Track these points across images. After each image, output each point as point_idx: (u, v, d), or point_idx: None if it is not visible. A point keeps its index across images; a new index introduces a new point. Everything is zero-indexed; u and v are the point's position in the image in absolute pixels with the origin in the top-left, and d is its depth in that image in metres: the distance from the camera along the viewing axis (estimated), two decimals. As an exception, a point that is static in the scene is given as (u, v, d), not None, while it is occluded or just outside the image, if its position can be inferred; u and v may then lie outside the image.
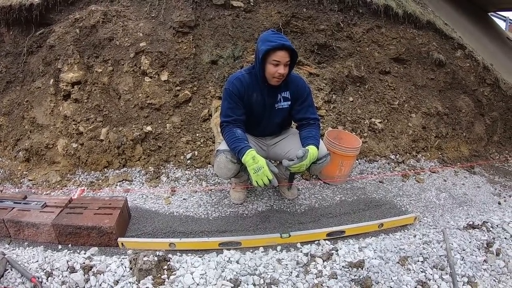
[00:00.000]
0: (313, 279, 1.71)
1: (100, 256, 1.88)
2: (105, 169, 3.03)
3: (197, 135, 3.22)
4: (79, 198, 2.44)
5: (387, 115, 3.83)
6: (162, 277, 1.66)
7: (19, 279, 1.66)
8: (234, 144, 2.02)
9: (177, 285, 1.62)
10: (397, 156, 3.62)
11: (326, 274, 1.74)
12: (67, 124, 3.11)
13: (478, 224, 2.27)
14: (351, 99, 3.76)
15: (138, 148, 3.07)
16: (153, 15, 3.52)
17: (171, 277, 1.66)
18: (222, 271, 1.72)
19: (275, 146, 2.42)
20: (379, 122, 3.70)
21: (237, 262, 1.81)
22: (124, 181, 2.92)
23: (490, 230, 2.20)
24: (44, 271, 1.72)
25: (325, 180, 3.01)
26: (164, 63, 3.32)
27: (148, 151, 3.10)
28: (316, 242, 2.05)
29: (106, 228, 2.03)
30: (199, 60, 3.48)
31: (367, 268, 1.78)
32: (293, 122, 2.47)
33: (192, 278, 1.66)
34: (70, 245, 2.10)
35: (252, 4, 3.67)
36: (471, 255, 1.97)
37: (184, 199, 2.69)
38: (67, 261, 1.77)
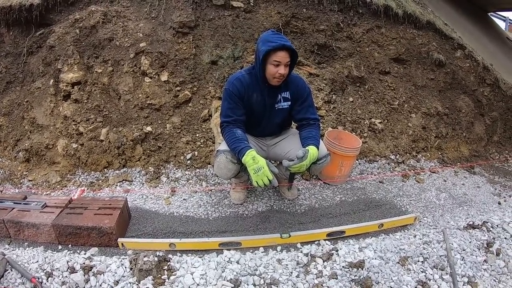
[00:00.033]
0: (313, 279, 1.71)
1: (100, 257, 1.88)
2: (105, 170, 3.02)
3: (197, 135, 3.22)
4: (79, 198, 2.44)
5: (387, 115, 3.83)
6: (162, 277, 1.66)
7: (19, 279, 1.66)
8: (234, 145, 2.02)
9: (177, 286, 1.62)
10: (397, 156, 3.63)
11: (326, 274, 1.74)
12: (67, 125, 3.11)
13: (478, 224, 2.27)
14: (351, 99, 3.76)
15: (138, 148, 3.07)
16: (153, 16, 3.52)
17: (171, 277, 1.66)
18: (222, 272, 1.72)
19: (275, 147, 2.42)
20: (379, 122, 3.70)
21: (237, 262, 1.81)
22: (124, 181, 2.92)
23: (490, 230, 2.20)
24: (44, 271, 1.72)
25: (325, 180, 3.01)
26: (164, 63, 3.32)
27: (148, 151, 3.10)
28: (316, 242, 2.06)
29: (106, 228, 2.03)
30: (199, 61, 3.48)
31: (367, 268, 1.78)
32: (293, 123, 2.47)
33: (192, 278, 1.66)
34: (70, 245, 2.10)
35: (252, 4, 3.68)
36: (471, 255, 1.97)
37: (184, 199, 2.69)
38: (67, 262, 1.77)
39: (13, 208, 2.17)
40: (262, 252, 2.00)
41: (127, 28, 3.38)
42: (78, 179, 2.95)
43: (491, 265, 1.92)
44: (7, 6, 3.50)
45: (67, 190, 2.83)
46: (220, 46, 3.55)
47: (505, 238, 2.13)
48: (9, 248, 2.04)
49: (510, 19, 8.47)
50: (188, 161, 3.09)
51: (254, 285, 1.65)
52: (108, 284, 1.65)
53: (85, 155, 3.00)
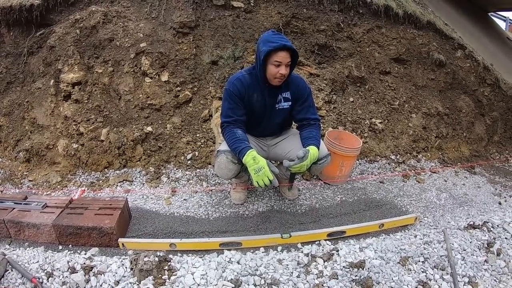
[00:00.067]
0: (314, 279, 1.71)
1: (100, 257, 1.88)
2: (106, 170, 3.03)
3: (198, 135, 3.22)
4: (80, 198, 2.44)
5: (387, 115, 3.83)
6: (163, 277, 1.66)
7: (20, 279, 1.66)
8: (234, 145, 2.01)
9: (178, 286, 1.62)
10: (398, 157, 3.62)
11: (327, 275, 1.73)
12: (68, 125, 3.11)
13: (479, 224, 2.26)
14: (351, 99, 3.76)
15: (138, 148, 3.07)
16: (153, 16, 3.52)
17: (172, 277, 1.66)
18: (223, 272, 1.72)
19: (275, 147, 2.42)
20: (380, 123, 3.70)
21: (238, 262, 1.81)
22: (124, 181, 2.92)
23: (491, 230, 2.20)
24: (45, 271, 1.72)
25: (325, 180, 3.01)
26: (165, 63, 3.32)
27: (148, 151, 3.10)
28: (316, 243, 2.05)
29: (106, 228, 2.03)
30: (200, 61, 3.49)
31: (368, 268, 1.77)
32: (293, 123, 2.47)
33: (193, 278, 1.65)
34: (70, 245, 2.10)
35: (253, 4, 3.68)
36: (471, 255, 1.97)
37: (184, 199, 2.69)
38: (68, 262, 1.77)
39: (14, 208, 2.17)
40: (262, 252, 2.00)
41: (127, 28, 3.38)
42: (79, 179, 2.95)
43: (491, 265, 1.92)
44: (7, 6, 3.51)
45: (67, 190, 2.83)
46: (220, 46, 3.55)
47: (506, 238, 2.13)
48: (9, 248, 2.04)
49: (510, 19, 8.48)
50: (189, 161, 3.09)
51: (255, 285, 1.65)
52: (109, 284, 1.65)
53: (86, 155, 3.00)
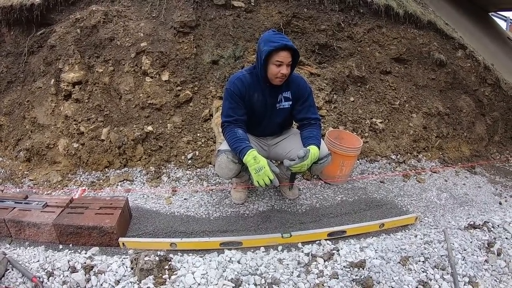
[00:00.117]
0: (314, 279, 1.71)
1: (101, 256, 1.88)
2: (106, 169, 3.03)
3: (198, 135, 3.22)
4: (80, 198, 2.44)
5: (388, 115, 3.83)
6: (163, 277, 1.66)
7: (20, 279, 1.66)
8: (235, 144, 2.01)
9: (178, 285, 1.62)
10: (398, 156, 3.62)
11: (327, 274, 1.73)
12: (68, 124, 3.12)
13: (479, 224, 2.26)
14: (352, 99, 3.76)
15: (139, 148, 3.07)
16: (154, 15, 3.52)
17: (172, 277, 1.66)
18: (223, 271, 1.72)
19: (276, 146, 2.42)
20: (380, 122, 3.70)
21: (238, 262, 1.81)
22: (125, 181, 2.92)
23: (491, 230, 2.20)
24: (45, 271, 1.72)
25: (326, 180, 3.01)
26: (165, 63, 3.32)
27: (149, 151, 3.10)
28: (317, 242, 2.05)
29: (107, 228, 2.03)
30: (200, 60, 3.48)
31: (368, 268, 1.77)
32: (294, 122, 2.47)
33: (194, 278, 1.65)
34: (71, 245, 2.10)
35: (253, 4, 3.68)
36: (472, 255, 1.97)
37: (185, 199, 2.69)
38: (68, 261, 1.77)
39: (14, 208, 2.17)
40: (263, 251, 2.00)
41: (128, 27, 3.38)
42: (79, 178, 2.95)
43: (492, 265, 1.92)
44: (8, 5, 3.51)
45: (68, 189, 2.84)
46: (221, 45, 3.55)
47: (506, 238, 2.13)
48: (10, 247, 2.04)
49: (511, 19, 8.47)
50: (189, 161, 3.09)
51: (255, 284, 1.65)
52: (109, 284, 1.65)
53: (86, 155, 3.00)
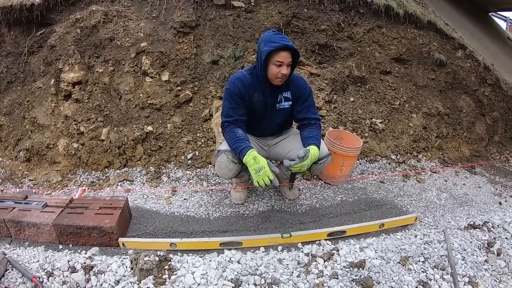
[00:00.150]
0: (314, 279, 1.71)
1: (101, 256, 1.88)
2: (106, 169, 3.03)
3: (198, 135, 3.22)
4: (80, 198, 2.44)
5: (388, 115, 3.83)
6: (163, 277, 1.66)
7: (20, 279, 1.66)
8: (235, 144, 2.01)
9: (178, 285, 1.62)
10: (398, 156, 3.62)
11: (327, 274, 1.73)
12: (68, 124, 3.12)
13: (479, 224, 2.26)
14: (352, 99, 3.76)
15: (139, 148, 3.07)
16: (154, 15, 3.52)
17: (172, 277, 1.66)
18: (223, 271, 1.72)
19: (276, 146, 2.42)
20: (380, 122, 3.70)
21: (238, 262, 1.81)
22: (125, 181, 2.92)
23: (491, 230, 2.20)
24: (45, 271, 1.72)
25: (326, 180, 3.01)
26: (165, 63, 3.32)
27: (149, 151, 3.10)
28: (317, 242, 2.05)
29: (107, 228, 2.03)
30: (200, 60, 3.49)
31: (368, 268, 1.77)
32: (294, 122, 2.47)
33: (193, 278, 1.65)
34: (71, 245, 2.10)
35: (253, 4, 3.68)
36: (472, 255, 1.97)
37: (185, 199, 2.69)
38: (68, 261, 1.77)
39: (14, 208, 2.17)
40: (263, 251, 2.00)
41: (128, 28, 3.38)
42: (79, 178, 2.95)
43: (492, 265, 1.92)
44: (8, 5, 3.51)
45: (68, 189, 2.84)
46: (221, 46, 3.55)
47: (506, 238, 2.13)
48: (10, 247, 2.04)
49: (511, 19, 8.47)
50: (189, 161, 3.09)
51: (255, 284, 1.65)
52: (109, 284, 1.65)
53: (86, 155, 3.00)
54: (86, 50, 3.31)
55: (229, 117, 2.10)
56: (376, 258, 1.84)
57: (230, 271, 1.71)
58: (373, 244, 1.98)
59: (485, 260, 1.94)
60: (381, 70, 4.01)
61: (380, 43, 4.01)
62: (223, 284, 1.61)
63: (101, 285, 1.65)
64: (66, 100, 3.20)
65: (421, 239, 2.10)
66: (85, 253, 1.93)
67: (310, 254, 1.89)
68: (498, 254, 1.98)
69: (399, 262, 1.85)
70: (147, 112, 3.22)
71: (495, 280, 1.85)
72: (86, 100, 3.18)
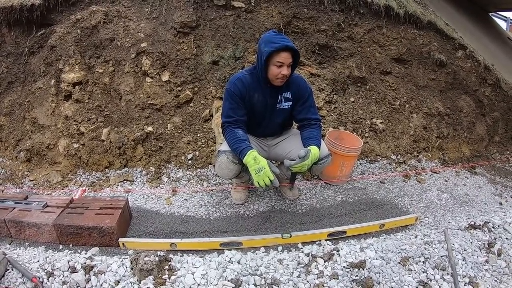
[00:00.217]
0: (314, 279, 1.71)
1: (101, 256, 1.88)
2: (106, 170, 3.03)
3: (198, 135, 3.22)
4: (80, 198, 2.45)
5: (388, 115, 3.82)
6: (163, 277, 1.66)
7: (20, 279, 1.66)
8: (235, 145, 2.01)
9: (178, 285, 1.62)
10: (398, 157, 3.62)
11: (327, 275, 1.73)
12: (68, 125, 3.12)
13: (480, 225, 2.26)
14: (352, 99, 3.76)
15: (139, 148, 3.08)
16: (154, 16, 3.52)
17: (172, 277, 1.66)
18: (223, 271, 1.72)
19: (276, 147, 2.42)
20: (380, 123, 3.70)
21: (238, 262, 1.81)
22: (125, 181, 2.92)
23: (492, 231, 2.19)
24: (45, 271, 1.72)
25: (326, 180, 3.01)
26: (165, 63, 3.32)
27: (149, 151, 3.10)
28: (317, 243, 2.05)
29: (107, 228, 2.03)
30: (200, 61, 3.49)
31: (369, 268, 1.77)
32: (294, 123, 2.47)
33: (193, 278, 1.65)
34: (71, 245, 2.10)
35: (253, 4, 3.68)
36: (472, 255, 1.96)
37: (185, 199, 2.69)
38: (68, 261, 1.77)
39: (14, 208, 2.17)
40: (263, 252, 2.00)
41: (128, 28, 3.39)
42: (79, 179, 2.95)
43: (492, 266, 1.91)
44: (8, 6, 3.51)
45: (68, 190, 2.84)
46: (221, 46, 3.55)
47: (506, 238, 2.12)
48: (10, 247, 2.04)
49: (511, 19, 8.47)
50: (189, 161, 3.09)
51: (255, 285, 1.64)
52: (109, 284, 1.65)
53: (86, 155, 3.00)
54: (87, 51, 3.31)
55: (229, 117, 2.10)
56: (377, 259, 1.84)
57: (230, 271, 1.71)
58: (374, 245, 1.98)
59: (486, 261, 1.94)
60: (381, 70, 4.01)
61: (380, 43, 4.01)
62: (223, 285, 1.61)
63: (101, 285, 1.65)
64: (67, 101, 3.21)
65: (422, 239, 2.10)
66: (85, 253, 1.93)
67: (310, 254, 1.89)
68: (499, 255, 1.98)
69: (399, 263, 1.85)
70: (147, 112, 3.22)
71: (495, 280, 1.84)
72: (87, 101, 3.18)
